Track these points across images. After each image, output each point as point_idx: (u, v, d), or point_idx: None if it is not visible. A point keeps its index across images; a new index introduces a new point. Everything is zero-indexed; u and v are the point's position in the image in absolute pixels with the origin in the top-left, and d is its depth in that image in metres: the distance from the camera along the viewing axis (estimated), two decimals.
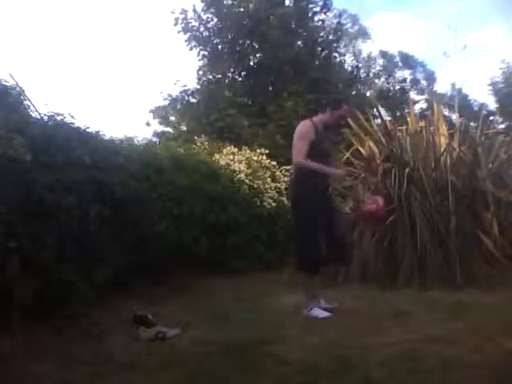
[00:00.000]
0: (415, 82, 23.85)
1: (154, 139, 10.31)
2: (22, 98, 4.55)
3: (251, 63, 11.11)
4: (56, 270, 3.46)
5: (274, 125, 9.38)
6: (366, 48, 22.28)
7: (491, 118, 13.66)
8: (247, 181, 6.53)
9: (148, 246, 4.66)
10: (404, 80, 20.97)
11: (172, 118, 11.31)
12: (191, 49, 11.18)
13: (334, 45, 11.91)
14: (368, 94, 12.44)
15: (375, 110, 8.17)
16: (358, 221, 4.39)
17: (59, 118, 4.15)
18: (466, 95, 22.21)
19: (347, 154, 6.29)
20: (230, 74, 11.27)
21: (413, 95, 21.33)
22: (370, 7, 31.84)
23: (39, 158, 3.48)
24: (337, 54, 12.14)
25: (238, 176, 6.50)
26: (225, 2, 11.12)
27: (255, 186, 6.59)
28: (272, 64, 10.53)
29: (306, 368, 2.87)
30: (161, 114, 11.28)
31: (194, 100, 11.03)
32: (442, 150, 5.86)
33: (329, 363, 2.89)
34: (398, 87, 18.76)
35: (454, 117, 8.37)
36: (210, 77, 11.30)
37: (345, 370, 2.78)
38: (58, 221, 3.52)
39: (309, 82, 10.60)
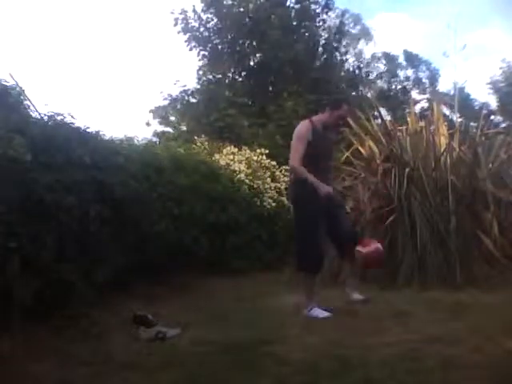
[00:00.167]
0: (417, 81, 23.82)
1: (154, 139, 10.33)
2: (21, 98, 4.55)
3: (251, 63, 11.12)
4: (56, 270, 3.46)
5: (274, 125, 9.39)
6: (368, 48, 22.30)
7: (492, 117, 13.64)
8: (247, 181, 6.54)
9: (148, 246, 4.66)
10: (407, 78, 20.97)
11: (172, 118, 11.33)
12: (191, 49, 11.19)
13: (335, 45, 11.91)
14: (369, 94, 12.41)
15: (376, 110, 8.17)
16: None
17: (59, 117, 4.15)
18: (467, 94, 22.20)
19: (347, 153, 6.28)
20: (230, 74, 11.27)
21: (415, 94, 21.36)
22: (371, 7, 31.87)
23: (39, 158, 3.48)
24: (338, 54, 12.12)
25: (238, 176, 6.50)
26: (225, 2, 11.12)
27: (255, 186, 6.60)
28: (272, 64, 10.54)
29: (305, 368, 2.87)
30: (161, 114, 11.29)
31: (194, 100, 11.04)
32: (442, 150, 5.86)
33: (329, 363, 2.89)
34: (399, 87, 18.78)
35: (456, 117, 8.37)
36: (210, 77, 11.30)
37: (345, 370, 2.78)
38: (57, 221, 3.53)
39: (309, 82, 10.60)
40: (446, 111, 13.28)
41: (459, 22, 19.36)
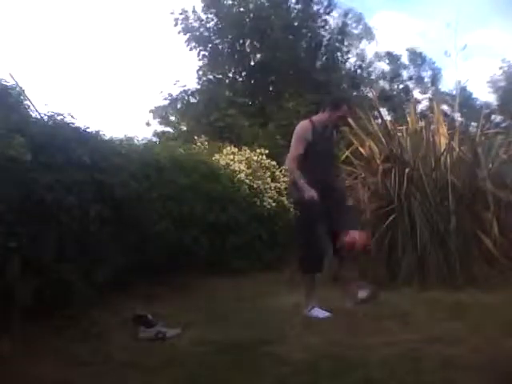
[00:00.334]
0: (420, 80, 23.75)
1: (154, 139, 10.32)
2: (22, 97, 4.55)
3: (252, 63, 11.12)
4: (56, 270, 3.46)
5: (274, 125, 9.39)
6: (370, 48, 22.27)
7: (493, 116, 13.62)
8: (247, 181, 6.53)
9: (148, 246, 4.66)
10: (410, 78, 20.95)
11: (172, 118, 11.33)
12: (191, 49, 11.19)
13: (337, 45, 11.90)
14: (370, 95, 12.38)
15: (376, 110, 8.17)
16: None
17: (59, 117, 4.15)
18: (470, 94, 22.18)
19: (347, 153, 6.28)
20: (230, 74, 11.27)
21: (417, 94, 21.32)
22: (371, 6, 31.80)
23: (39, 158, 3.48)
24: (340, 54, 12.11)
25: (238, 176, 6.50)
26: (225, 2, 11.12)
27: (255, 186, 6.59)
28: (273, 64, 10.53)
29: (305, 368, 2.87)
30: (161, 113, 11.29)
31: (194, 100, 11.04)
32: (442, 149, 5.86)
33: (329, 363, 2.89)
34: (402, 86, 18.75)
35: (457, 116, 8.38)
36: (210, 77, 11.30)
37: (345, 370, 2.78)
38: (58, 221, 3.52)
39: (311, 82, 10.60)
40: (448, 111, 13.25)
41: (459, 22, 19.35)
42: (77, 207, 3.64)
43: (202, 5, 11.13)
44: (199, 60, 11.34)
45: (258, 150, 7.24)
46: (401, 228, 5.30)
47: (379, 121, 6.69)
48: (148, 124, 11.26)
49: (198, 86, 11.30)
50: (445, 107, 13.05)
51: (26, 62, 20.63)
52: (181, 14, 11.07)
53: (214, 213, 5.76)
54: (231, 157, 6.87)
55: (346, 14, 13.46)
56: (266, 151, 7.30)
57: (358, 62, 15.07)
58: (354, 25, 19.34)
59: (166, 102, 11.15)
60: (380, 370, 2.75)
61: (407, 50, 23.38)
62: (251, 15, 10.70)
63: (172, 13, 11.06)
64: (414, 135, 6.14)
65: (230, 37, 10.92)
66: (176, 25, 11.10)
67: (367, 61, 19.28)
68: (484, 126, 6.48)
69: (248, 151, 7.18)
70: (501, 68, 24.33)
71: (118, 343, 3.36)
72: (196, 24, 11.07)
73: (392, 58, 22.23)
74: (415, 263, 5.13)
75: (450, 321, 3.72)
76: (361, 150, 6.21)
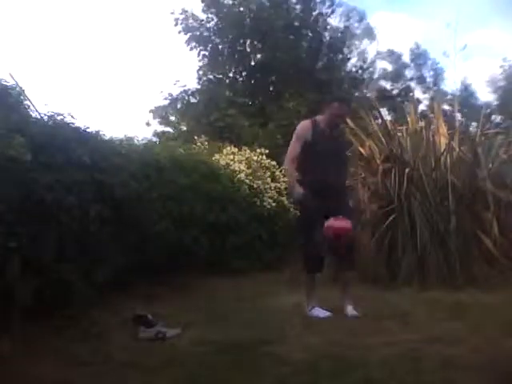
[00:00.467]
0: (422, 79, 23.70)
1: (154, 139, 10.32)
2: (21, 97, 4.55)
3: (252, 63, 11.11)
4: (56, 270, 3.46)
5: (274, 124, 9.38)
6: (372, 48, 22.20)
7: (493, 117, 13.60)
8: (247, 181, 6.53)
9: (148, 246, 4.66)
10: (411, 79, 20.93)
11: (172, 118, 11.32)
12: (191, 49, 11.18)
13: (338, 45, 11.88)
14: (370, 94, 12.39)
15: (376, 111, 8.17)
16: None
17: (59, 117, 4.14)
18: (471, 93, 22.15)
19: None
20: (230, 74, 11.27)
21: (418, 94, 21.29)
22: (370, 6, 31.77)
23: (39, 158, 3.48)
24: (341, 55, 12.10)
25: (238, 176, 6.50)
26: (225, 2, 11.12)
27: (255, 186, 6.59)
28: (273, 64, 10.53)
29: (305, 368, 2.87)
30: (161, 113, 11.28)
31: (194, 100, 11.04)
32: (442, 149, 5.86)
33: (329, 363, 2.89)
34: (403, 86, 18.71)
35: (459, 116, 8.36)
36: (211, 77, 11.30)
37: (345, 369, 2.78)
38: (58, 221, 3.52)
39: (311, 81, 10.59)
40: (448, 111, 13.23)
41: (459, 22, 19.34)
42: (77, 207, 3.64)
43: (203, 4, 11.13)
44: (199, 60, 11.35)
45: (258, 150, 7.24)
46: (401, 228, 5.30)
47: (379, 121, 6.70)
48: (148, 124, 11.26)
49: (198, 86, 11.30)
50: (446, 107, 13.04)
51: (26, 61, 20.62)
52: (181, 13, 11.07)
53: (214, 213, 5.76)
54: (231, 157, 6.87)
55: (347, 14, 13.43)
56: (266, 151, 7.30)
57: (360, 63, 15.08)
58: (356, 24, 19.31)
59: (166, 102, 11.14)
60: (380, 370, 2.75)
61: (410, 49, 23.37)
62: (252, 15, 10.69)
63: (172, 13, 11.07)
64: (414, 135, 6.14)
65: (230, 37, 10.91)
66: (176, 24, 11.10)
67: (368, 61, 19.28)
68: (484, 126, 6.48)
69: (248, 151, 7.18)
70: (501, 67, 24.29)
71: (118, 343, 3.35)
72: (196, 24, 11.07)
73: (394, 56, 22.20)
74: (415, 263, 5.13)
75: (449, 321, 3.72)
76: (361, 150, 6.21)
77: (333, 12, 11.99)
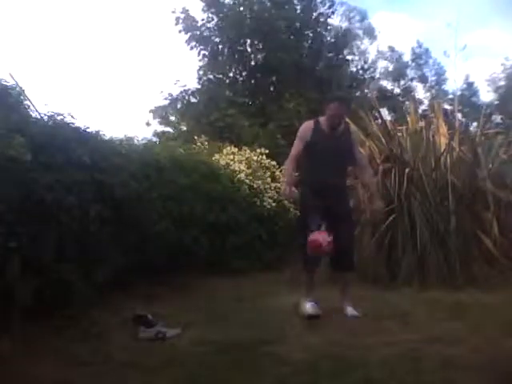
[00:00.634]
0: (424, 79, 23.69)
1: (154, 139, 10.31)
2: (22, 97, 4.55)
3: (252, 63, 11.10)
4: (56, 270, 3.46)
5: (275, 125, 9.37)
6: (373, 48, 22.21)
7: (493, 117, 13.59)
8: (247, 181, 6.53)
9: (148, 246, 4.66)
10: (411, 79, 20.93)
11: (172, 118, 11.30)
12: (192, 48, 11.16)
13: (340, 46, 11.87)
14: (371, 95, 12.36)
15: (376, 111, 8.17)
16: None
17: (59, 117, 4.14)
18: (473, 92, 22.14)
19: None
20: (230, 74, 11.26)
21: (420, 93, 21.31)
22: (370, 6, 31.80)
23: (39, 158, 3.48)
24: (342, 55, 12.08)
25: (238, 176, 6.50)
26: (226, 2, 11.11)
27: (255, 186, 6.59)
28: (274, 64, 10.52)
29: (305, 368, 2.87)
30: (161, 113, 11.26)
31: (194, 100, 11.01)
32: (442, 149, 5.86)
33: (329, 363, 2.89)
34: (405, 85, 18.70)
35: (459, 116, 8.37)
36: (211, 77, 11.28)
37: (345, 369, 2.79)
38: (58, 221, 3.52)
39: (312, 81, 10.58)
40: (449, 110, 13.23)
41: (459, 22, 19.34)
42: (77, 207, 3.64)
43: (203, 4, 11.11)
44: (199, 60, 11.33)
45: (258, 150, 7.24)
46: (401, 228, 5.31)
47: (379, 121, 6.70)
48: (148, 124, 11.23)
49: (198, 86, 11.27)
50: (447, 106, 13.03)
51: (26, 61, 20.64)
52: (182, 12, 11.06)
53: (214, 213, 5.75)
54: (231, 157, 6.86)
55: (348, 14, 13.40)
56: (266, 151, 7.29)
57: (361, 63, 15.08)
58: (357, 24, 19.33)
59: (166, 102, 11.12)
60: (380, 370, 2.75)
61: (412, 48, 23.36)
62: (253, 15, 10.68)
63: (173, 12, 11.05)
64: (414, 135, 6.15)
65: (230, 36, 10.90)
66: (177, 24, 11.09)
67: (369, 61, 19.29)
68: (484, 126, 6.48)
69: (248, 151, 7.18)
70: (502, 65, 24.27)
71: (118, 343, 3.36)
72: (196, 24, 11.05)
73: (395, 54, 22.20)
74: (415, 263, 5.13)
75: (450, 321, 3.72)
76: (361, 150, 6.20)
77: (333, 12, 11.96)
